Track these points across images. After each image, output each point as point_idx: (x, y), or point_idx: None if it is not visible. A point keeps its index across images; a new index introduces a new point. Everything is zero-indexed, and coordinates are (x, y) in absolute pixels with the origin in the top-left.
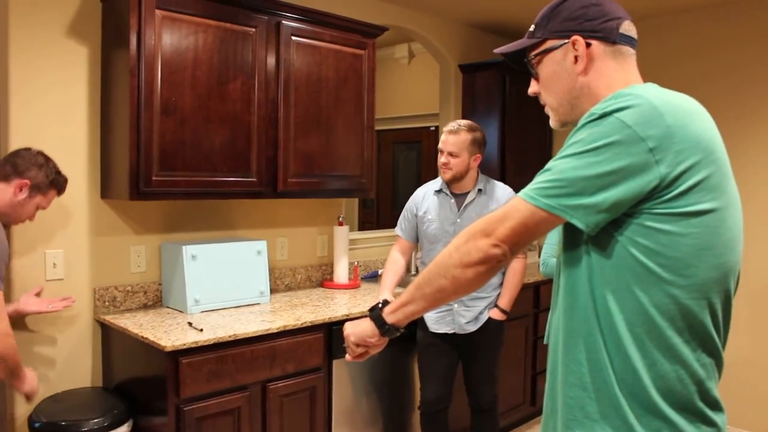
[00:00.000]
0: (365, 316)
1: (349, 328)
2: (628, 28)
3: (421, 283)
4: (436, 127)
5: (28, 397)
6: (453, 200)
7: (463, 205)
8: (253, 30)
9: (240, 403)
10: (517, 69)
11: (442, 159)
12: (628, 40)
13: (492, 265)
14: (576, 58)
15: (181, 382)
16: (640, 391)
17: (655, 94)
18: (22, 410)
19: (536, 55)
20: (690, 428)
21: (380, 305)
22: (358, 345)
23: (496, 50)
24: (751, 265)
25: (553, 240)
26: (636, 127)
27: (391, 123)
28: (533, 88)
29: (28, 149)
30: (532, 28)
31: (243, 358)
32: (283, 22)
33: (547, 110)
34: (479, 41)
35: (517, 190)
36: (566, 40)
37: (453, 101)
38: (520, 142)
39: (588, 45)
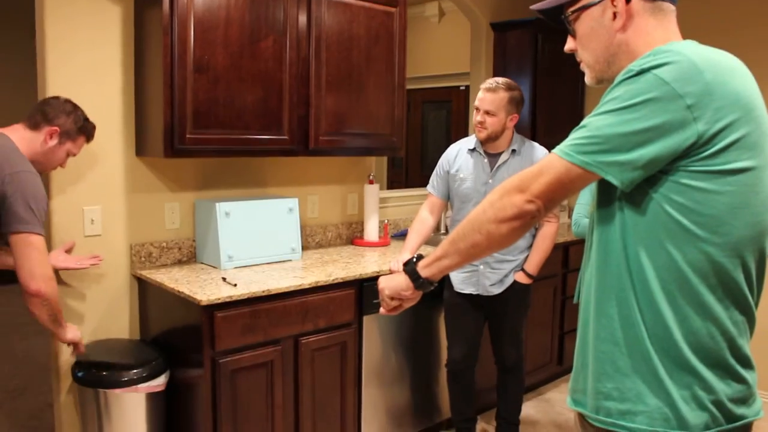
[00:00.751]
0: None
1: (383, 282)
2: None
3: (455, 239)
4: (466, 87)
5: (75, 347)
6: (486, 160)
7: (497, 165)
8: None
9: (273, 357)
10: (553, 26)
11: (477, 117)
12: None
13: (526, 221)
14: (614, 14)
15: (217, 335)
16: (671, 346)
17: (695, 50)
18: (64, 359)
19: (574, 12)
20: (720, 384)
21: (414, 259)
22: (392, 298)
23: (533, 7)
24: None
25: (584, 200)
26: (674, 83)
27: (420, 82)
28: (569, 45)
29: (56, 97)
30: None
31: (276, 313)
32: None
33: (583, 67)
34: None
35: (549, 150)
36: None
37: (484, 60)
38: (551, 102)
39: (627, 1)
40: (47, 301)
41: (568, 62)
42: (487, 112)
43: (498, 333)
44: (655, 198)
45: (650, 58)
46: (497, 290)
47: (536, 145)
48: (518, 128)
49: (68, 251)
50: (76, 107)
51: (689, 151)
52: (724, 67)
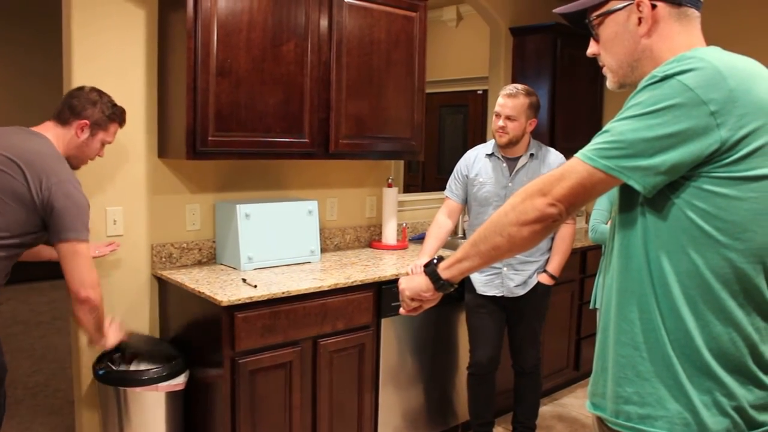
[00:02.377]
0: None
1: (404, 283)
2: None
3: (476, 240)
4: (484, 91)
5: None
6: (505, 164)
7: (515, 169)
8: None
9: (292, 358)
10: (575, 30)
11: (499, 123)
12: (693, 2)
13: (548, 224)
14: (640, 19)
15: (237, 335)
16: (692, 351)
17: (719, 57)
18: (86, 358)
19: (598, 16)
20: (741, 390)
21: (435, 261)
22: (413, 299)
23: (556, 10)
24: None
25: (602, 206)
26: (698, 89)
27: (437, 86)
28: (592, 49)
29: (80, 88)
30: None
31: (295, 315)
32: None
33: (606, 71)
34: (530, 3)
35: (566, 155)
36: (630, 1)
37: (503, 64)
38: (570, 106)
39: (653, 7)
40: (95, 308)
41: (587, 67)
42: (508, 117)
43: (518, 336)
44: (678, 203)
45: (674, 64)
46: (521, 291)
47: (552, 150)
48: (537, 132)
49: None
50: (101, 95)
51: (712, 157)
52: (749, 73)
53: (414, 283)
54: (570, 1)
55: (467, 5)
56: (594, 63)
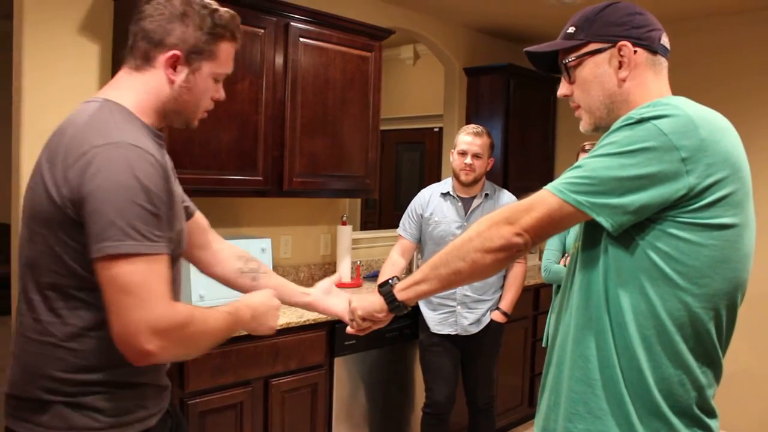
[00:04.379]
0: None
1: (356, 302)
2: (665, 40)
3: (436, 264)
4: (440, 129)
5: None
6: (460, 203)
7: (471, 209)
8: (262, 31)
9: (243, 398)
10: (529, 71)
11: (466, 160)
12: (665, 52)
13: (512, 254)
14: (621, 63)
15: (186, 376)
16: (643, 391)
17: (692, 107)
18: None
19: (577, 57)
20: None
21: (391, 282)
22: (364, 319)
23: (528, 49)
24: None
25: (553, 246)
26: (672, 135)
27: (394, 123)
28: (564, 90)
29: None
30: (570, 29)
31: (246, 354)
32: (292, 23)
33: (580, 113)
34: (484, 45)
35: (519, 195)
36: (612, 45)
37: (457, 104)
38: (523, 146)
39: (634, 52)
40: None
41: (540, 107)
42: (475, 155)
43: (472, 373)
44: (641, 244)
45: (650, 109)
46: (475, 329)
47: (505, 191)
48: (491, 171)
49: None
50: (189, 2)
51: (679, 202)
52: (717, 126)
53: (367, 303)
54: (516, 45)
55: (423, 44)
56: (547, 104)
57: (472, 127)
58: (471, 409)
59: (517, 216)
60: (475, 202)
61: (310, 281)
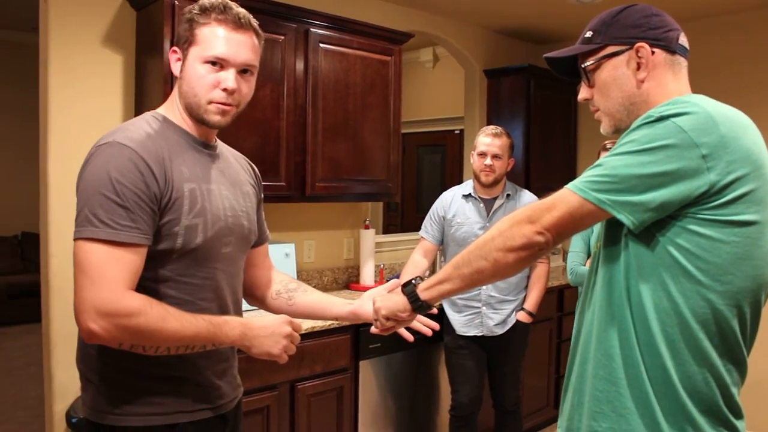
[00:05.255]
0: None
1: (380, 302)
2: (684, 39)
3: (459, 263)
4: (461, 131)
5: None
6: (482, 204)
7: (493, 210)
8: (282, 38)
9: (269, 402)
10: (550, 73)
11: (486, 162)
12: (684, 51)
13: (534, 252)
14: (639, 64)
15: None
16: (668, 389)
17: (712, 104)
18: (59, 406)
19: (596, 60)
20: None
21: (414, 282)
22: (388, 319)
23: (547, 55)
24: None
25: (577, 248)
26: (691, 132)
27: (415, 126)
28: (585, 94)
29: None
30: (588, 33)
31: None
32: (312, 29)
33: (600, 116)
34: (503, 46)
35: (540, 195)
36: (629, 46)
37: (478, 106)
38: (544, 147)
39: (652, 53)
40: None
41: (561, 107)
42: (495, 156)
43: (499, 374)
44: (662, 241)
45: (670, 107)
46: (501, 330)
47: (526, 191)
48: (512, 172)
49: None
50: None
51: (700, 199)
52: (738, 123)
53: (391, 303)
54: (536, 47)
55: (443, 47)
56: (567, 104)
57: (491, 129)
58: (498, 410)
59: (538, 215)
60: (497, 203)
61: (333, 285)
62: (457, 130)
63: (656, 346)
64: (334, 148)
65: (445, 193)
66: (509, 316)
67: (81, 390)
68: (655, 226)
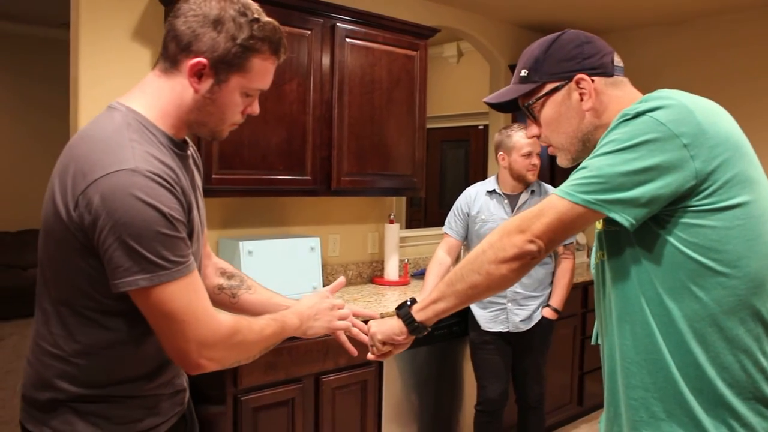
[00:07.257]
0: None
1: (375, 327)
2: (618, 59)
3: (452, 280)
4: (485, 126)
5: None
6: (506, 201)
7: (517, 205)
8: (309, 32)
9: (294, 395)
10: (505, 112)
11: (532, 162)
12: (621, 71)
13: (526, 261)
14: (582, 95)
15: (239, 373)
16: (704, 385)
17: (684, 95)
18: None
19: (536, 99)
20: (756, 419)
21: (408, 303)
22: (384, 343)
23: (485, 99)
24: None
25: None
26: (670, 124)
27: (439, 121)
28: (533, 131)
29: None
30: (524, 72)
31: (297, 351)
32: (338, 24)
33: (554, 150)
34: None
35: None
36: (567, 81)
37: None
38: None
39: (592, 81)
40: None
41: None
42: (537, 154)
43: (523, 370)
44: (671, 241)
45: (644, 103)
46: (526, 326)
47: (549, 186)
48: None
49: None
50: (226, 6)
51: (692, 191)
52: (711, 111)
53: (386, 327)
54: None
55: (467, 42)
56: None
57: (520, 127)
58: (521, 406)
59: (528, 223)
60: (522, 199)
61: (358, 279)
62: (481, 125)
63: (686, 345)
64: (359, 143)
65: (468, 189)
66: (535, 312)
67: (41, 414)
68: (659, 228)
